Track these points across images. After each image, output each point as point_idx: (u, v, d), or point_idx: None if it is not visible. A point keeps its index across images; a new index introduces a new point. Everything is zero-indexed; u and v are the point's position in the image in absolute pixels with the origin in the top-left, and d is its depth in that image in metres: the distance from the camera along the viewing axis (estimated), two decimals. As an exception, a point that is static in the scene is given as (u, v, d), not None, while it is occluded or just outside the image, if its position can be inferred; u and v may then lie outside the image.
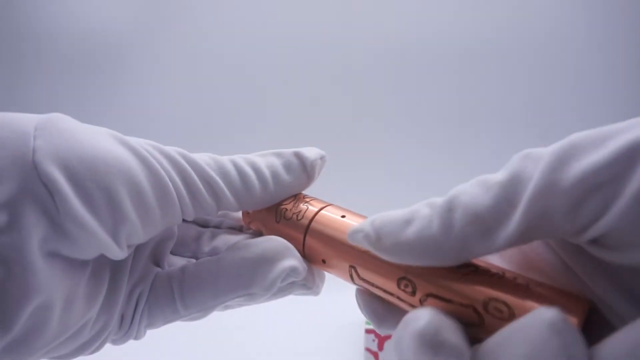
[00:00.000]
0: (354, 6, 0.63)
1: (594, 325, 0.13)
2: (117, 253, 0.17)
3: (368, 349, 0.37)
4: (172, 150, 0.19)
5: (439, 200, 0.14)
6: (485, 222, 0.12)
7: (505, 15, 0.63)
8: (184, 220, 0.20)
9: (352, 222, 0.18)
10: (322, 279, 0.21)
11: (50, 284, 0.15)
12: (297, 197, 0.21)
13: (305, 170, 0.21)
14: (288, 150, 0.21)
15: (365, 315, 0.17)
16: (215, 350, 0.47)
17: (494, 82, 0.64)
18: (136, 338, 0.20)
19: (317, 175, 0.21)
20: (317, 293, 0.21)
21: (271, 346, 0.48)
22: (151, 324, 0.20)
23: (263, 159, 0.20)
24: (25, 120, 0.16)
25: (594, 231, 0.12)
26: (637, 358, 0.10)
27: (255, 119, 0.66)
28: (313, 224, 0.19)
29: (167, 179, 0.17)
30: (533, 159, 0.13)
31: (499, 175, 0.13)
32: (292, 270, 0.18)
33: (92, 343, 0.18)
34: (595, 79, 0.64)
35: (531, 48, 0.63)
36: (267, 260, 0.19)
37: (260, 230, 0.21)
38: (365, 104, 0.65)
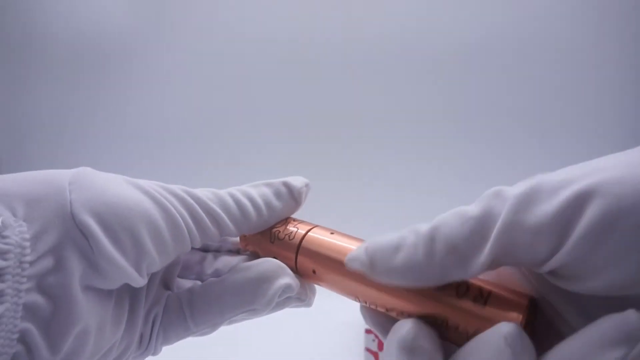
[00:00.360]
0: (355, 7, 0.63)
1: (542, 328, 0.16)
2: (139, 281, 0.20)
3: (368, 349, 0.37)
4: (178, 188, 0.22)
5: (423, 228, 0.16)
6: (461, 252, 0.15)
7: (506, 15, 0.63)
8: None
9: (338, 241, 0.21)
10: (314, 292, 0.24)
11: (88, 313, 0.18)
12: (287, 220, 0.24)
13: (293, 197, 0.24)
14: (277, 181, 0.24)
15: (371, 327, 0.20)
16: (216, 349, 0.47)
17: (493, 83, 0.64)
18: (154, 354, 0.23)
19: (304, 200, 0.25)
20: (309, 305, 0.24)
21: (272, 346, 0.48)
22: (166, 341, 0.23)
23: (256, 189, 0.24)
24: (61, 176, 0.20)
25: (550, 265, 0.14)
26: (629, 334, 0.13)
27: (255, 120, 0.66)
28: (303, 242, 0.22)
29: (177, 215, 0.21)
30: (502, 198, 0.15)
31: (473, 210, 0.15)
32: (287, 287, 0.22)
33: None
34: (596, 78, 0.64)
35: (534, 49, 0.63)
36: (265, 280, 0.22)
37: (256, 251, 0.24)
38: (365, 104, 0.65)
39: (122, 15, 0.65)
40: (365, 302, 0.20)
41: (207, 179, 0.62)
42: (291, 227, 0.23)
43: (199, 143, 0.66)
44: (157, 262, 0.20)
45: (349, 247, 0.20)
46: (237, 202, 0.23)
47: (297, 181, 0.24)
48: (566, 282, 0.14)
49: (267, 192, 0.24)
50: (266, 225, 0.23)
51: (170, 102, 0.66)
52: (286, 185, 0.24)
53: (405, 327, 0.16)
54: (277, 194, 0.24)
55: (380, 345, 0.37)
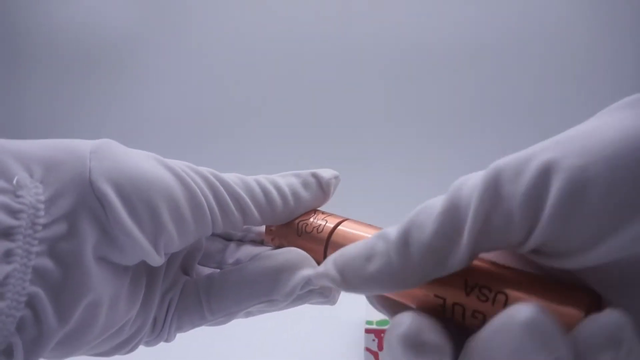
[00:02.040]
0: (355, 7, 0.63)
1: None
2: (156, 259, 0.19)
3: (368, 349, 0.37)
4: (205, 170, 0.21)
5: (393, 234, 0.15)
6: (438, 252, 0.14)
7: (507, 16, 0.63)
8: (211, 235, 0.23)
9: (367, 234, 0.20)
10: (339, 289, 0.22)
11: (100, 284, 0.18)
12: (316, 212, 0.23)
13: (321, 188, 0.23)
14: (306, 171, 0.24)
15: (382, 312, 0.19)
16: (216, 349, 0.47)
17: (497, 81, 0.64)
18: (167, 340, 0.23)
19: (332, 192, 0.24)
20: (333, 302, 0.23)
21: (271, 346, 0.48)
22: (180, 328, 0.22)
23: (283, 179, 0.23)
24: (82, 145, 0.21)
25: (530, 245, 0.14)
26: (613, 336, 0.12)
27: (257, 119, 0.66)
28: (333, 236, 0.21)
29: (200, 195, 0.20)
30: (468, 187, 0.14)
31: (442, 204, 0.15)
32: (310, 279, 0.21)
33: (129, 342, 0.21)
34: (596, 79, 0.64)
35: (534, 48, 0.63)
36: (287, 269, 0.21)
37: (283, 244, 0.23)
38: (367, 105, 0.65)
39: (122, 15, 0.65)
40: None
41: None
42: (319, 220, 0.22)
43: (199, 143, 0.66)
44: (175, 240, 0.19)
45: None
46: (264, 189, 0.22)
47: (326, 172, 0.24)
48: (554, 260, 0.14)
49: (295, 182, 0.23)
50: (292, 216, 0.23)
51: (171, 102, 0.66)
52: (315, 176, 0.24)
53: (405, 322, 0.14)
54: (305, 185, 0.23)
55: (380, 345, 0.37)
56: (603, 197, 0.12)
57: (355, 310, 0.42)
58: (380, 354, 0.37)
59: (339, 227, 0.21)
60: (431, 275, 0.15)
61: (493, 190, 0.14)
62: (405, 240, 0.15)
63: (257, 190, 0.22)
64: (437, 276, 0.15)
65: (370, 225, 0.21)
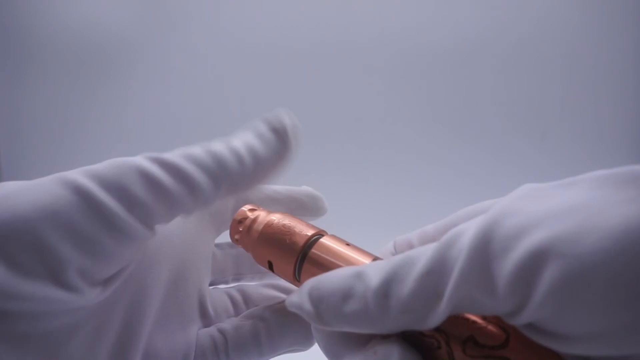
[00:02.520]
0: (356, 7, 0.63)
1: None
2: (72, 300, 0.16)
3: (368, 349, 0.37)
4: (132, 159, 0.18)
5: (373, 280, 0.15)
6: (416, 311, 0.14)
7: (506, 15, 0.63)
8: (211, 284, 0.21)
9: (342, 260, 0.19)
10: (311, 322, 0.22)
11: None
12: (288, 218, 0.21)
13: (279, 137, 0.20)
14: (256, 123, 0.20)
15: (322, 350, 0.18)
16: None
17: (495, 83, 0.64)
18: None
19: (295, 142, 0.21)
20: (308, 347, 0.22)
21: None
22: None
23: (231, 137, 0.20)
24: None
25: (521, 321, 0.13)
26: None
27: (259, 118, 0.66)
28: (310, 254, 0.19)
29: (100, 197, 0.16)
30: (456, 249, 0.14)
31: (426, 263, 0.14)
32: None
33: None
34: (596, 78, 0.63)
35: (535, 49, 0.63)
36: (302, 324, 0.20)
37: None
38: (367, 105, 0.65)
39: (122, 15, 0.65)
40: None
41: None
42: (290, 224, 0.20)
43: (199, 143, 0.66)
44: (94, 265, 0.16)
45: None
46: (207, 151, 0.19)
47: (280, 116, 0.21)
48: (545, 339, 0.13)
49: (246, 135, 0.20)
50: (252, 176, 0.19)
51: (171, 102, 0.66)
52: (268, 122, 0.21)
53: (394, 355, 0.14)
54: (260, 135, 0.20)
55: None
56: (600, 292, 0.11)
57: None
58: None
59: (317, 245, 0.20)
60: (409, 328, 0.14)
61: (479, 262, 0.13)
62: (384, 291, 0.14)
63: (199, 152, 0.19)
64: (415, 329, 0.14)
65: (347, 245, 0.20)
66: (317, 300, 0.15)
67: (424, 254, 0.14)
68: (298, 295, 0.16)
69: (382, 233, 0.58)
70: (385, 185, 0.65)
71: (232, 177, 0.19)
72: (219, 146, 0.19)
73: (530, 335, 0.14)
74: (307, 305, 0.16)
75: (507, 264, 0.13)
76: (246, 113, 0.66)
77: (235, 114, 0.66)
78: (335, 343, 0.17)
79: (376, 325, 0.15)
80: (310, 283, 0.16)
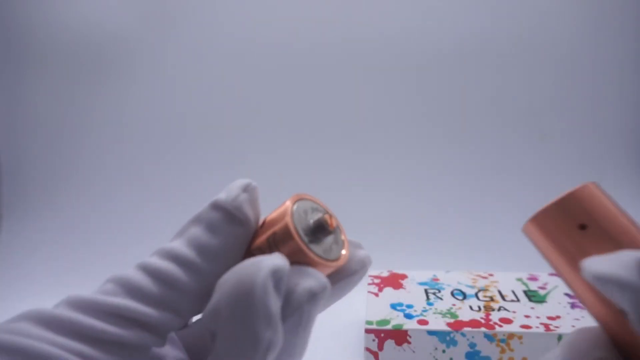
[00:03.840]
0: (356, 7, 0.63)
1: None
2: None
3: (368, 349, 0.37)
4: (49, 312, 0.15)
5: None
6: None
7: (506, 15, 0.63)
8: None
9: None
10: None
11: None
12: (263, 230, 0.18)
13: (234, 219, 0.17)
14: (204, 207, 0.18)
15: None
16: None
17: (494, 83, 0.64)
18: None
19: (253, 213, 0.18)
20: None
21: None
22: None
23: (177, 238, 0.17)
24: None
25: None
26: None
27: (257, 122, 0.66)
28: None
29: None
30: None
31: None
32: None
33: None
34: (596, 78, 0.64)
35: (535, 50, 0.63)
36: None
37: None
38: (368, 106, 0.65)
39: (122, 15, 0.65)
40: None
41: (208, 180, 0.62)
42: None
43: (199, 144, 0.66)
44: None
45: None
46: (155, 274, 0.16)
47: (230, 191, 0.17)
48: None
49: (197, 232, 0.17)
50: (215, 276, 0.16)
51: (171, 102, 0.66)
52: (217, 207, 0.17)
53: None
54: (211, 227, 0.17)
55: (381, 345, 0.37)
56: None
57: (356, 310, 0.42)
58: (380, 354, 0.37)
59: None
60: None
61: None
62: None
63: (137, 279, 0.16)
64: None
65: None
66: None
67: None
68: (616, 264, 0.13)
69: (381, 232, 0.58)
70: (385, 185, 0.65)
71: (188, 292, 0.16)
72: (161, 263, 0.16)
73: None
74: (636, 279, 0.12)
75: None
76: (246, 113, 0.66)
77: (236, 114, 0.66)
78: None
79: None
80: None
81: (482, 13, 0.63)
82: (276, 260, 0.15)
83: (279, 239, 0.17)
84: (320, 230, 0.17)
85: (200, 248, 0.17)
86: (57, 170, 0.63)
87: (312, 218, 0.18)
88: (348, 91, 0.65)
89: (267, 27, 0.64)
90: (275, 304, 0.14)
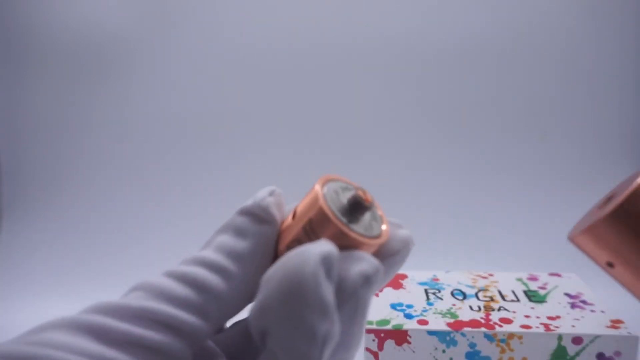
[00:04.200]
0: (356, 7, 0.63)
1: None
2: None
3: (368, 349, 0.37)
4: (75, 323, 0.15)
5: None
6: None
7: (506, 15, 0.63)
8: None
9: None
10: None
11: None
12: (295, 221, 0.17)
13: (262, 220, 0.17)
14: (230, 217, 0.18)
15: None
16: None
17: (494, 83, 0.64)
18: None
19: (279, 213, 0.18)
20: None
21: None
22: None
23: (206, 248, 0.17)
24: None
25: None
26: None
27: (257, 122, 0.66)
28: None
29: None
30: None
31: None
32: None
33: None
34: (596, 79, 0.64)
35: (535, 50, 0.63)
36: None
37: None
38: (368, 106, 0.65)
39: (122, 15, 0.65)
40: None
41: (208, 180, 0.62)
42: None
43: (199, 144, 0.66)
44: None
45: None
46: (183, 279, 0.16)
47: (256, 197, 0.18)
48: None
49: (224, 238, 0.17)
50: (251, 281, 0.16)
51: (171, 102, 0.66)
52: (244, 212, 0.17)
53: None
54: (238, 231, 0.17)
55: (381, 345, 0.37)
56: None
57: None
58: (380, 354, 0.37)
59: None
60: None
61: None
62: None
63: (172, 286, 0.16)
64: None
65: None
66: None
67: None
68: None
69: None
70: (385, 185, 0.65)
71: (223, 298, 0.16)
72: (195, 270, 0.16)
73: None
74: None
75: None
76: (246, 113, 0.66)
77: (236, 114, 0.66)
78: None
79: None
80: None
81: (482, 13, 0.63)
82: (324, 246, 0.14)
83: (316, 226, 0.16)
84: (357, 207, 0.16)
85: (229, 252, 0.17)
86: (57, 171, 0.63)
87: (346, 197, 0.17)
88: (348, 91, 0.65)
89: (267, 27, 0.64)
90: (329, 293, 0.14)
